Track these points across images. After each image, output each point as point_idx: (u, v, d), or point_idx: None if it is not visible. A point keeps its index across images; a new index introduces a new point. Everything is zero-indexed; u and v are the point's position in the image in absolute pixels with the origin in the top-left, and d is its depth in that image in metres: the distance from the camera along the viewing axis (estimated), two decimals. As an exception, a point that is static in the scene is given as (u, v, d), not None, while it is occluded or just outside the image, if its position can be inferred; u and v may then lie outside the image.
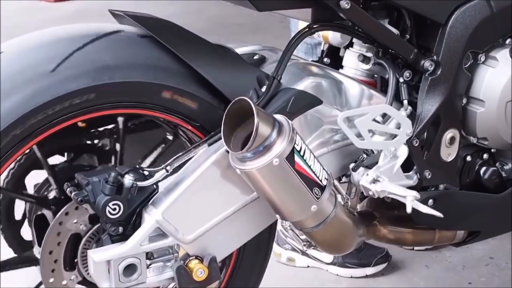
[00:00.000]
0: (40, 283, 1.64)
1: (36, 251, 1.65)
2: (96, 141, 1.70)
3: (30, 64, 1.50)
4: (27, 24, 5.25)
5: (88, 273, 1.61)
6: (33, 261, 1.66)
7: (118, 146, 1.66)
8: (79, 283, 1.64)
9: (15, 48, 1.55)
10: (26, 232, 1.71)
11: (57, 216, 1.57)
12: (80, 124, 1.62)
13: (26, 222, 1.72)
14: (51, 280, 1.60)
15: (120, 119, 1.63)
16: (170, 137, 1.74)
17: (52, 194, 1.63)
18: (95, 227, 1.60)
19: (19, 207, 1.72)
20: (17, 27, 5.14)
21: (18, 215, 1.72)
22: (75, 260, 1.62)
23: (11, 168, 1.66)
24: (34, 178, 1.70)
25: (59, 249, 1.59)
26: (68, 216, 1.58)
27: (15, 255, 1.71)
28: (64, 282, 1.61)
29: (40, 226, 1.63)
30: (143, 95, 1.57)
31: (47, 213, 1.62)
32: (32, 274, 1.68)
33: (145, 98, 1.57)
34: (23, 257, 1.70)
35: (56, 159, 1.68)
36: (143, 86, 1.56)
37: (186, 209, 1.58)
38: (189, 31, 1.65)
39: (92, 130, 1.69)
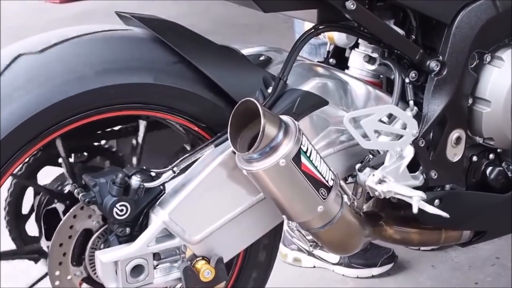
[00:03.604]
0: (43, 277, 1.65)
1: (44, 244, 1.65)
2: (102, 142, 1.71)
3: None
4: (31, 25, 5.26)
5: (94, 272, 1.62)
6: (35, 253, 1.67)
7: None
8: (83, 280, 1.65)
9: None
10: (30, 228, 1.72)
11: (71, 210, 1.58)
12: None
13: (32, 217, 1.71)
14: (57, 273, 1.61)
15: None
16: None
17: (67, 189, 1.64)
18: (105, 226, 1.61)
19: (27, 203, 1.73)
20: (22, 27, 5.15)
21: (25, 210, 1.73)
22: (83, 257, 1.62)
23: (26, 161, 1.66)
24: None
25: (70, 243, 1.60)
26: (82, 210, 1.59)
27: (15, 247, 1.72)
28: (69, 277, 1.62)
29: (50, 220, 1.63)
30: (149, 96, 1.57)
31: (59, 207, 1.62)
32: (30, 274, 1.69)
33: (151, 99, 1.58)
34: (25, 250, 1.70)
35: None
36: (149, 88, 1.56)
37: (193, 210, 1.59)
38: (194, 32, 1.65)
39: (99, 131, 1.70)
